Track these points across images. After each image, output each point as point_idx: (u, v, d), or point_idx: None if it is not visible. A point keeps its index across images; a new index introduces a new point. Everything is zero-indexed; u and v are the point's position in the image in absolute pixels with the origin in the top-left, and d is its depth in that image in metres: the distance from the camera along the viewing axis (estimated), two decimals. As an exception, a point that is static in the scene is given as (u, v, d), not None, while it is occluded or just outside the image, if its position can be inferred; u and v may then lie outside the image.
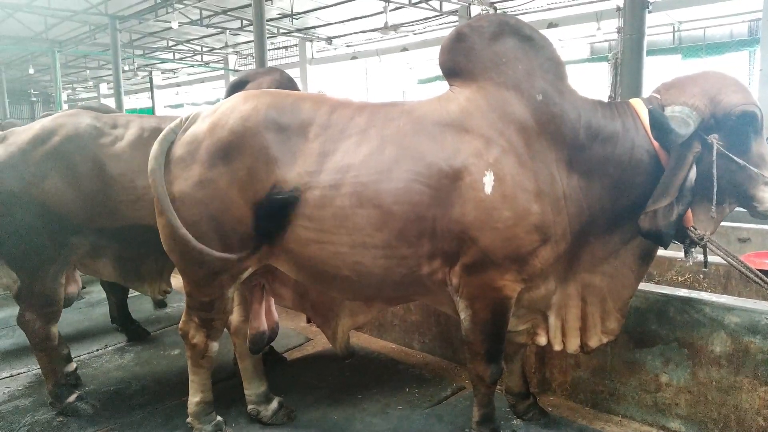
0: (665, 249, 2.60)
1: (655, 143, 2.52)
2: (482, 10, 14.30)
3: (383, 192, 2.53)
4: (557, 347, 2.86)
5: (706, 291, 3.76)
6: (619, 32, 8.38)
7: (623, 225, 2.65)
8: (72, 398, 3.60)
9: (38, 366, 3.89)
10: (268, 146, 2.65)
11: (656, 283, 4.03)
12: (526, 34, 2.69)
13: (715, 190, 2.45)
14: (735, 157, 2.46)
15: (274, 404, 3.38)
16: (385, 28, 14.59)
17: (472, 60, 2.69)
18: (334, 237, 2.61)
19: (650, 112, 2.36)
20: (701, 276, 3.96)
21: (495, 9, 14.16)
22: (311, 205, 2.60)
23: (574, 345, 2.83)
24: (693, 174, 2.41)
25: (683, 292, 3.09)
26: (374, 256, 2.60)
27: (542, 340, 2.89)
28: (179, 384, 3.09)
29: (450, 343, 4.11)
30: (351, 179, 2.56)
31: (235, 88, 3.75)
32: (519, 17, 3.03)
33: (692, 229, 2.54)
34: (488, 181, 2.46)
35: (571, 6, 14.11)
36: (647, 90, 6.19)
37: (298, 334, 4.77)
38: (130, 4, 15.86)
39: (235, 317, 3.33)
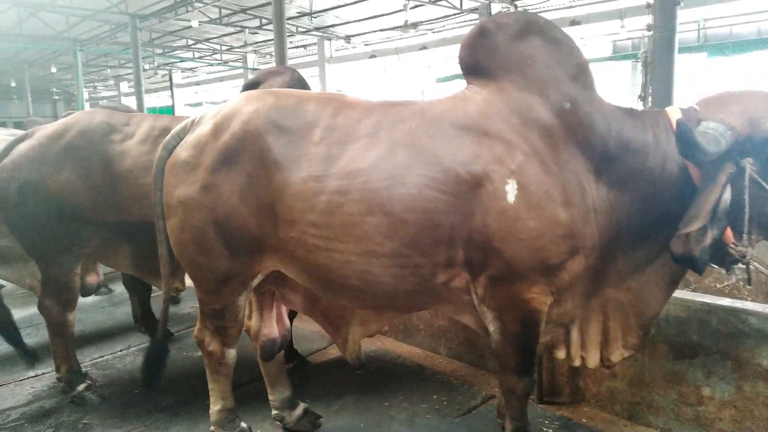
0: (699, 275, 2.44)
1: None
2: (503, 7, 14.13)
3: (394, 198, 2.39)
4: (576, 363, 2.72)
5: (747, 299, 3.62)
6: (649, 30, 8.17)
7: (650, 240, 2.52)
8: (81, 387, 3.76)
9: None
10: (270, 150, 2.55)
11: (692, 290, 3.90)
12: (555, 36, 2.56)
13: (746, 217, 2.27)
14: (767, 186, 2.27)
15: (299, 410, 3.32)
16: (405, 27, 14.47)
17: (494, 58, 2.55)
18: (342, 245, 2.48)
19: (678, 124, 2.20)
20: (741, 283, 3.82)
21: (516, 6, 13.99)
22: (317, 211, 2.48)
23: (594, 360, 2.69)
24: (727, 196, 2.25)
25: (727, 302, 2.97)
26: (384, 265, 2.47)
27: (561, 354, 2.77)
28: (203, 386, 3.07)
29: (477, 349, 4.02)
30: (359, 185, 2.43)
31: (248, 89, 3.71)
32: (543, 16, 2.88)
33: (732, 246, 2.34)
34: (511, 190, 2.33)
35: (594, 3, 13.87)
36: (678, 90, 6.03)
37: (321, 337, 4.70)
38: (150, 3, 15.95)
39: (254, 322, 3.27)
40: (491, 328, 2.59)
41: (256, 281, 2.82)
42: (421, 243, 2.42)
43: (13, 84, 29.35)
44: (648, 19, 9.20)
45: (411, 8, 14.30)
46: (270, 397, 3.34)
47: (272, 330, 3.18)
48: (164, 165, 2.81)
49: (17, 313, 5.77)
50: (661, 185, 2.44)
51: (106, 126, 3.61)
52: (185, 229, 2.71)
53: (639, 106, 9.85)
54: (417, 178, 2.40)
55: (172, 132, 2.88)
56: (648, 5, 8.80)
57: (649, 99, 7.33)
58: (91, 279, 4.02)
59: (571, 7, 14.29)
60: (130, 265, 3.78)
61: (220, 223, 2.63)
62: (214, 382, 3.06)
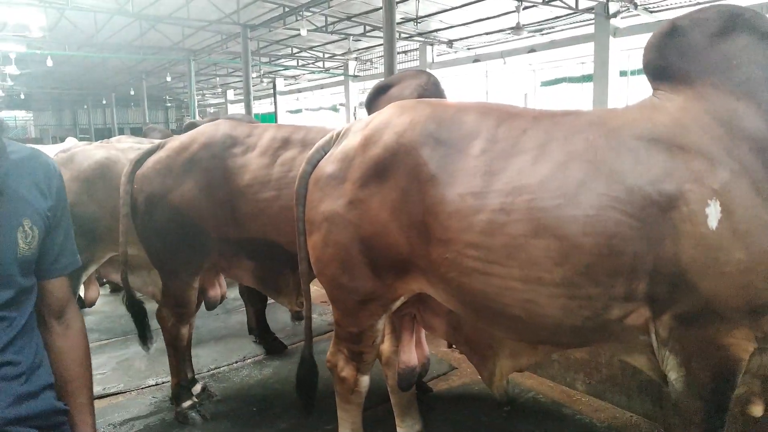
0: None
1: None
2: (621, 7, 13.25)
3: (567, 220, 2.08)
4: None
5: None
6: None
7: None
8: (186, 404, 3.67)
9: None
10: (425, 164, 2.32)
11: None
12: (767, 30, 2.13)
13: None
14: None
15: (429, 447, 3.05)
16: (517, 29, 13.92)
17: (690, 60, 2.18)
18: (503, 270, 2.19)
19: None
20: None
21: (635, 5, 13.05)
22: (476, 230, 2.21)
23: None
24: None
25: None
26: (551, 294, 2.16)
27: (758, 410, 2.30)
28: (324, 408, 2.87)
29: (624, 388, 3.54)
30: (524, 203, 2.14)
31: (378, 92, 3.53)
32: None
33: None
34: (712, 213, 1.95)
35: (727, -2, 12.66)
36: None
37: (440, 360, 4.40)
38: (261, 13, 16.47)
39: (386, 347, 3.05)
40: (673, 375, 2.18)
41: (397, 304, 2.61)
42: (596, 271, 2.08)
43: (132, 92, 31.62)
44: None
45: (523, 9, 13.72)
46: (399, 430, 3.11)
47: (411, 357, 2.95)
48: (307, 179, 2.64)
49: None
50: None
51: (228, 138, 3.46)
52: (328, 245, 2.53)
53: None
54: (595, 198, 2.06)
55: (316, 146, 2.70)
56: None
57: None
58: (214, 292, 3.96)
59: (698, 4, 13.14)
60: (251, 279, 3.66)
61: (366, 240, 2.43)
62: (344, 410, 2.87)
